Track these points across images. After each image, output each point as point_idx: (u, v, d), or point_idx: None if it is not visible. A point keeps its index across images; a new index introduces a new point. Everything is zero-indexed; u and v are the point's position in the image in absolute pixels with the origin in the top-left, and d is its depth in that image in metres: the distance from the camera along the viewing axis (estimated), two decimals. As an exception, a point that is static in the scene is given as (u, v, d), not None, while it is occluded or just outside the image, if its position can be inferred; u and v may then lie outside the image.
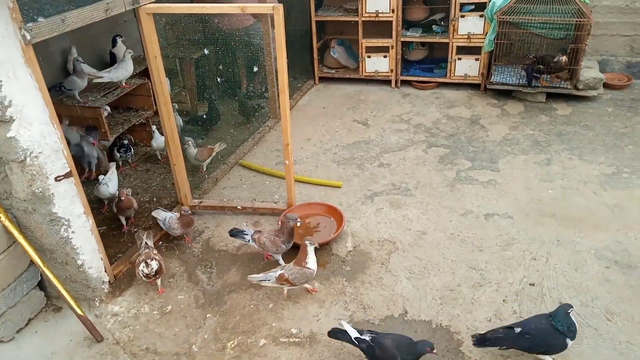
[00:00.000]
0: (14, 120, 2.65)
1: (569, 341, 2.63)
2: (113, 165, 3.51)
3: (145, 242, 3.36)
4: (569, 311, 2.65)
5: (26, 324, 3.13)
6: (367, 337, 2.65)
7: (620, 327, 2.96)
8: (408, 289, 3.32)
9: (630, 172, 4.41)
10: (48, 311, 3.25)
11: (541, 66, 5.61)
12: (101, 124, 4.50)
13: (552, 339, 2.63)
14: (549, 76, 5.71)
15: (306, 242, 3.17)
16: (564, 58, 5.50)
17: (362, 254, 3.65)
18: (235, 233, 3.55)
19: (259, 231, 3.52)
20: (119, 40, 4.90)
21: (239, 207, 4.12)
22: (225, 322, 3.13)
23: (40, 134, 2.77)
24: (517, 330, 2.67)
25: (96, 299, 3.25)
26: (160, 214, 3.75)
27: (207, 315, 3.18)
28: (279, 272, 3.15)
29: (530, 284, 3.29)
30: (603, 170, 4.47)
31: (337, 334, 2.76)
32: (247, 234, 3.50)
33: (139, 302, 3.28)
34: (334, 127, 5.57)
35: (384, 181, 4.53)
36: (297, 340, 2.98)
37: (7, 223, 2.88)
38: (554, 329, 2.62)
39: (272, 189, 4.51)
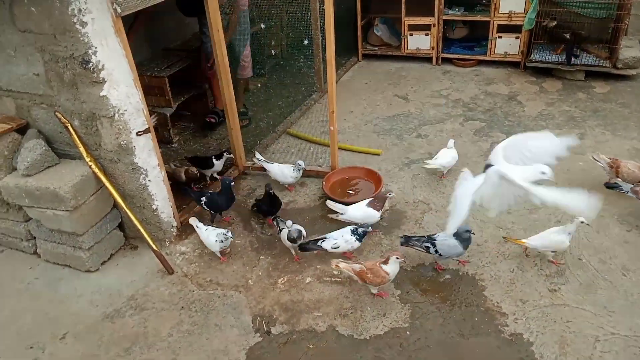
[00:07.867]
0: (105, 81, 3.14)
1: None
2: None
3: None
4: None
5: (109, 258, 3.70)
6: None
7: (634, 281, 3.24)
8: (439, 243, 3.68)
9: (661, 147, 4.58)
10: (126, 249, 3.80)
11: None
12: (165, 92, 5.03)
13: None
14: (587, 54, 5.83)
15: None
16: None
17: (398, 213, 4.02)
18: None
19: None
20: None
21: (287, 169, 4.54)
22: (276, 263, 3.59)
23: (125, 94, 3.27)
24: None
25: (166, 240, 3.77)
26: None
27: (261, 257, 3.65)
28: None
29: (552, 243, 3.59)
30: (634, 145, 4.64)
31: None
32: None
33: (202, 245, 3.77)
34: (375, 101, 5.91)
35: (421, 150, 4.86)
36: (338, 279, 3.42)
37: (97, 170, 3.42)
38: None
39: (317, 154, 4.93)
